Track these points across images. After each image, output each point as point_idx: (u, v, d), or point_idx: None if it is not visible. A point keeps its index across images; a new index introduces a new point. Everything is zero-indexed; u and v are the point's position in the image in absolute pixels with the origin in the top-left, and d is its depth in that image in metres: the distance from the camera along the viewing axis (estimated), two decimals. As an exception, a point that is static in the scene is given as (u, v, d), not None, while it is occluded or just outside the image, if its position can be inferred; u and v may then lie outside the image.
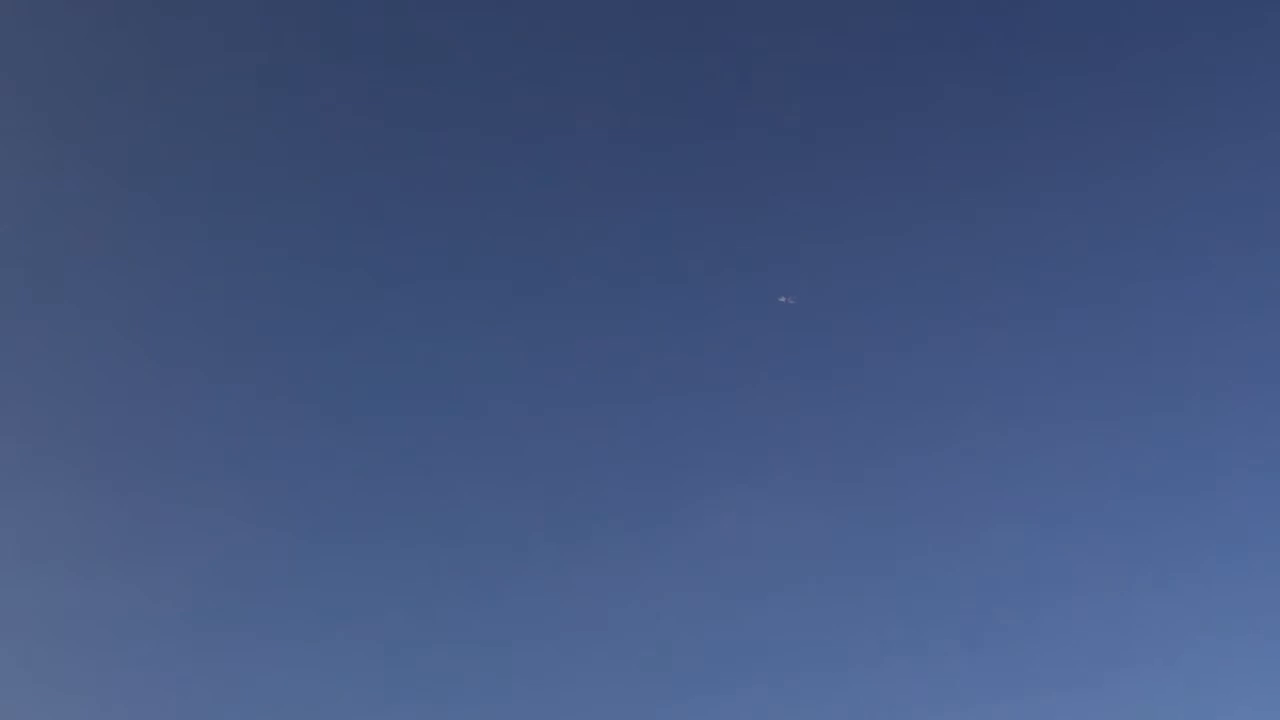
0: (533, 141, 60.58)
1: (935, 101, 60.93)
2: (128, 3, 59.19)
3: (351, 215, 59.28)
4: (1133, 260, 59.50)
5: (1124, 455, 55.71)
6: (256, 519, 52.90)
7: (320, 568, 52.12)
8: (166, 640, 49.63)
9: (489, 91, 60.66)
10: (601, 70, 62.13)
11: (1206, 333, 57.78)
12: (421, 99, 60.62)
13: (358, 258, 59.02)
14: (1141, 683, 49.01)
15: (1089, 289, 58.95)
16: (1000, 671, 49.90)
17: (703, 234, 59.93)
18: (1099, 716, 48.03)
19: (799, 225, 60.17)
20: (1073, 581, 51.99)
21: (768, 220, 60.10)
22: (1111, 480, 55.34)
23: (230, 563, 51.82)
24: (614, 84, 62.05)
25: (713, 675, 49.83)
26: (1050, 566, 52.66)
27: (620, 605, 51.47)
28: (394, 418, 56.10)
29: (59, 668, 47.96)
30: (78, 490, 52.32)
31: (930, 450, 55.61)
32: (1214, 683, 49.04)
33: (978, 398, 57.37)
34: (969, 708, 48.45)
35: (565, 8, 61.57)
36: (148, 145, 58.50)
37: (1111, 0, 61.72)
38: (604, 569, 52.23)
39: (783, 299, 51.60)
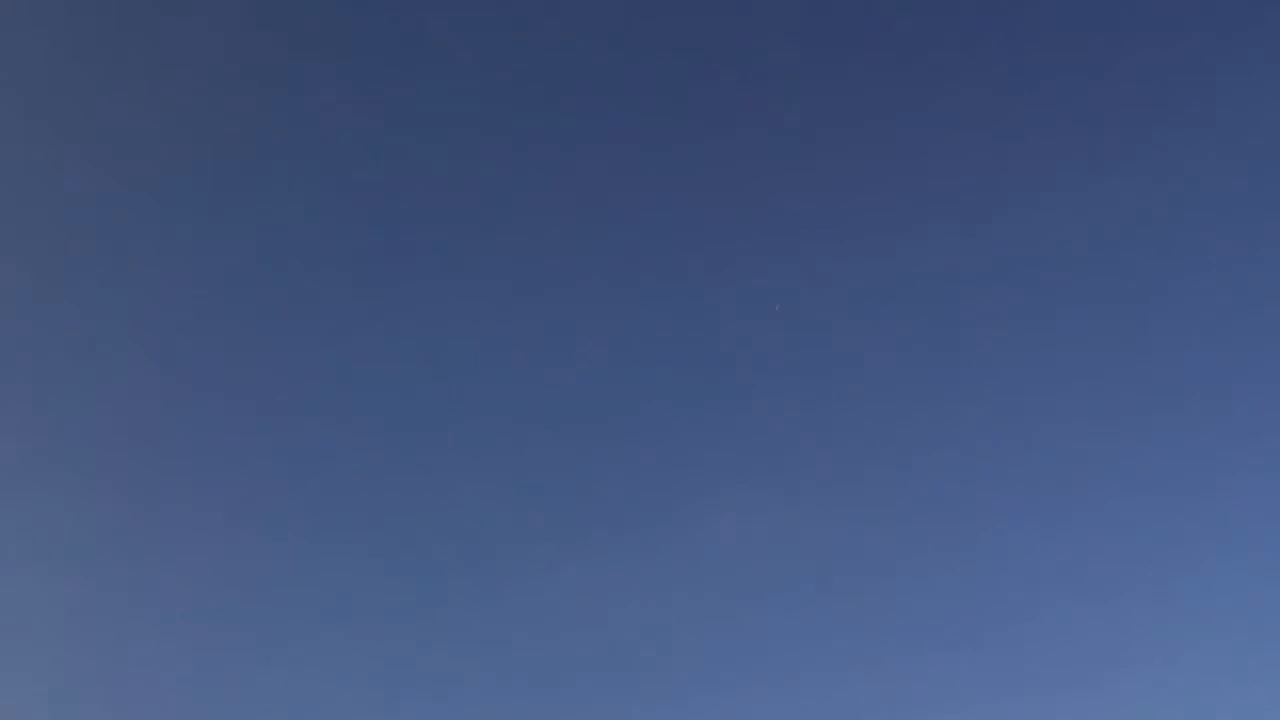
0: (531, 142, 60.75)
1: (935, 101, 60.98)
2: (127, 3, 59.54)
3: (351, 216, 59.38)
4: (1133, 260, 59.62)
5: (1124, 455, 55.93)
6: (255, 519, 53.17)
7: (319, 568, 52.31)
8: (165, 640, 49.81)
9: (488, 92, 60.91)
10: (602, 70, 62.42)
11: (1206, 333, 57.94)
12: (420, 99, 60.86)
13: (356, 258, 59.14)
14: (1141, 683, 49.23)
15: (1089, 289, 59.06)
16: (1000, 672, 50.03)
17: (702, 234, 60.06)
18: (1099, 716, 48.31)
19: (799, 225, 60.21)
20: (1073, 581, 52.06)
21: (767, 220, 60.19)
22: (1111, 480, 55.48)
23: (228, 563, 52.08)
24: (614, 84, 62.32)
25: (713, 675, 49.97)
26: (1050, 566, 52.73)
27: (620, 605, 51.61)
28: (393, 417, 56.27)
29: (57, 667, 48.23)
30: (75, 490, 52.63)
31: (930, 450, 55.66)
32: (1214, 683, 49.24)
33: (978, 398, 57.49)
34: (969, 708, 48.54)
35: (565, 8, 61.85)
36: (147, 145, 58.76)
37: (1111, 1, 62.04)
38: (603, 569, 52.37)
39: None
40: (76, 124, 57.81)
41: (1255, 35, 59.66)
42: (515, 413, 56.09)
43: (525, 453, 55.36)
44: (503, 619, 50.81)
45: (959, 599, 51.88)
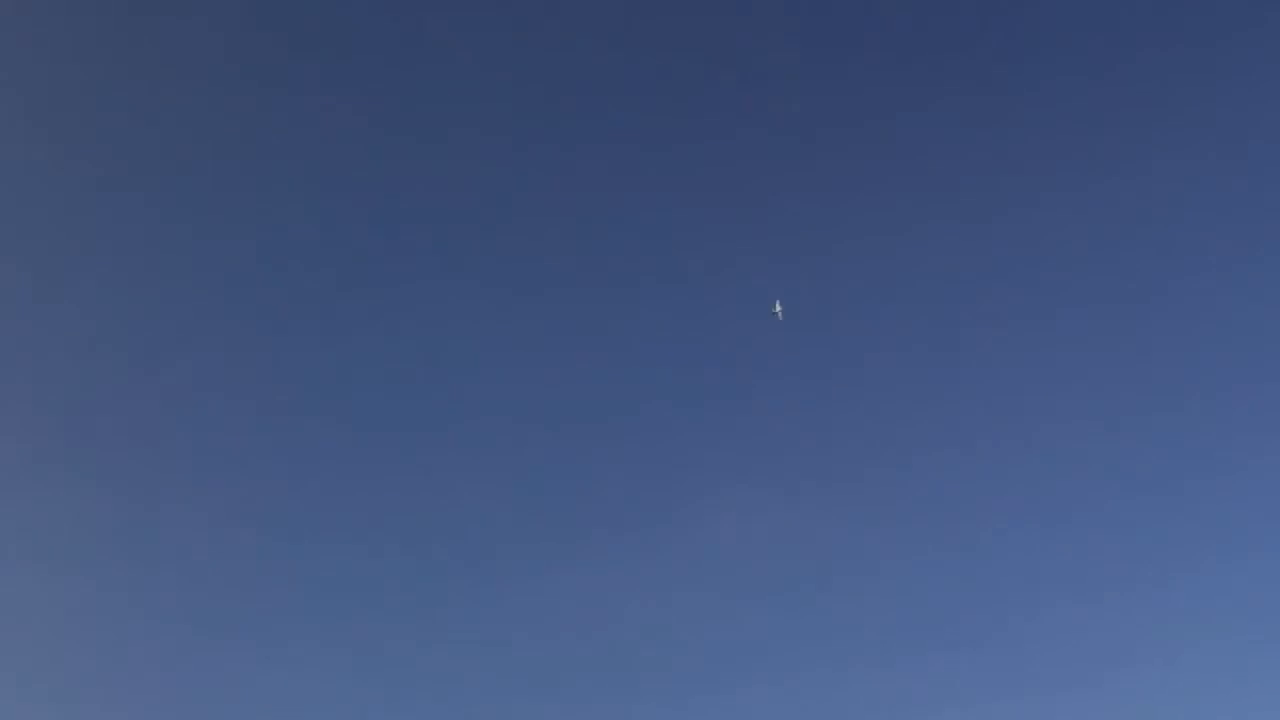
0: (531, 142, 60.67)
1: (935, 102, 60.99)
2: (127, 3, 59.34)
3: (351, 216, 59.39)
4: (1132, 260, 59.57)
5: (1124, 455, 55.83)
6: (255, 519, 53.01)
7: (319, 568, 52.17)
8: (165, 639, 49.65)
9: (488, 92, 60.81)
10: (602, 70, 62.27)
11: (1206, 333, 57.87)
12: (420, 99, 60.77)
13: (356, 258, 59.13)
14: (1141, 682, 49.01)
15: (1089, 289, 59.05)
16: (999, 671, 49.86)
17: (703, 235, 60.01)
18: (1099, 716, 48.08)
19: (798, 227, 60.22)
20: (1072, 581, 52.00)
21: (767, 221, 60.15)
22: (1111, 480, 55.40)
23: (228, 563, 51.93)
24: (614, 84, 62.19)
25: (713, 675, 49.81)
26: (1050, 566, 52.63)
27: (620, 605, 51.47)
28: (396, 419, 56.20)
29: (56, 665, 47.92)
30: (75, 490, 52.41)
31: (930, 450, 55.69)
32: (1214, 683, 49.09)
33: (978, 398, 57.44)
34: (969, 707, 48.42)
35: (565, 7, 61.69)
36: (148, 145, 58.62)
37: (1111, 1, 61.85)
38: (603, 569, 52.22)
39: (776, 309, 51.48)
40: (77, 124, 57.63)
41: (1255, 35, 59.52)
42: (515, 413, 55.84)
43: (525, 453, 55.10)
44: (503, 619, 50.53)
45: (959, 599, 51.66)
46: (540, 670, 49.57)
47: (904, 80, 61.49)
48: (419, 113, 60.28)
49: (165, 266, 57.34)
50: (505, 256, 59.38)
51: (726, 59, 61.79)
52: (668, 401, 56.91)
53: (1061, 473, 55.19)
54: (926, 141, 60.87)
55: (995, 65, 61.57)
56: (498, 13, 61.44)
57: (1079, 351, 57.74)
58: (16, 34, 57.30)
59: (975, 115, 60.94)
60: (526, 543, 52.92)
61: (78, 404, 54.59)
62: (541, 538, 53.03)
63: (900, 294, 58.89)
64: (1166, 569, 52.43)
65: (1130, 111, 60.66)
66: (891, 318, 58.48)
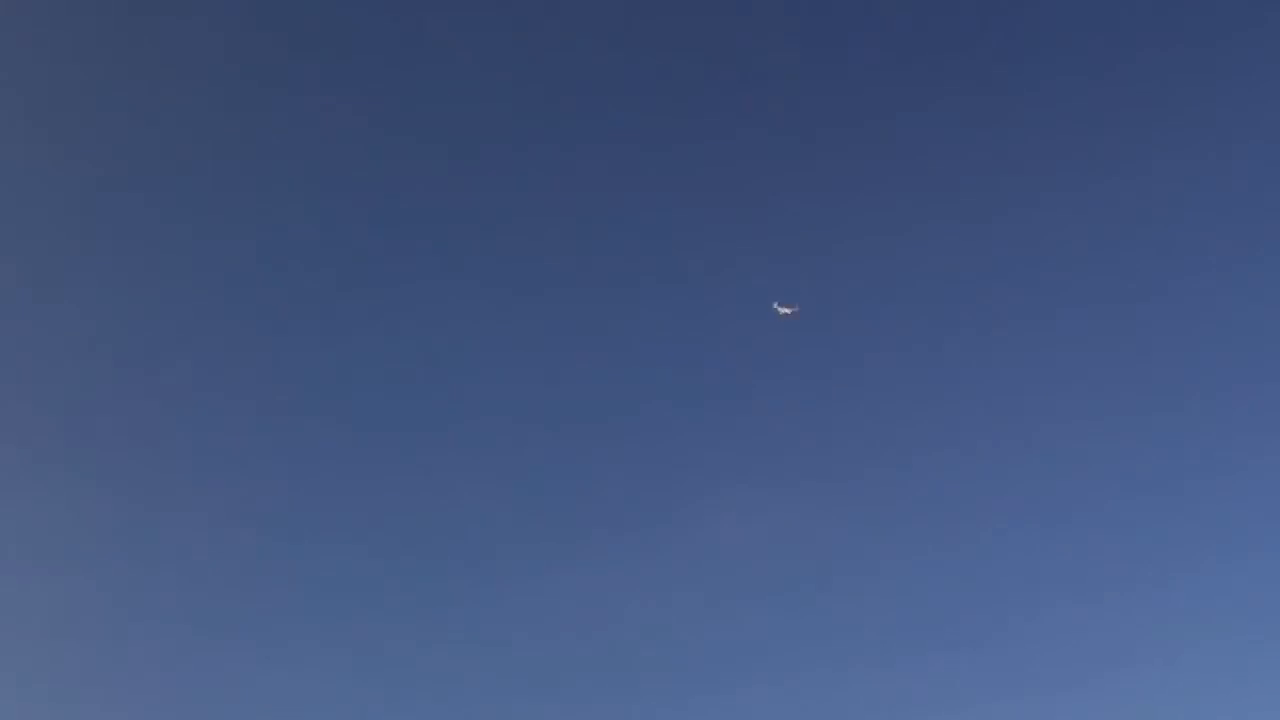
0: (531, 142, 60.63)
1: (935, 102, 60.96)
2: (127, 4, 59.31)
3: (351, 216, 59.35)
4: (1133, 260, 59.55)
5: (1124, 455, 55.82)
6: (255, 519, 53.00)
7: (319, 568, 52.16)
8: (165, 639, 49.64)
9: (488, 92, 60.81)
10: (602, 70, 62.26)
11: (1206, 333, 57.86)
12: (420, 99, 60.75)
13: (356, 258, 59.09)
14: (1141, 682, 49.02)
15: (1089, 289, 59.02)
16: (999, 671, 49.87)
17: (703, 235, 59.97)
18: (1099, 716, 48.09)
19: (798, 227, 60.17)
20: (1073, 581, 51.99)
21: (767, 222, 60.10)
22: (1111, 480, 55.38)
23: (228, 563, 51.91)
24: (614, 84, 62.17)
25: (713, 675, 49.82)
26: (1050, 566, 52.62)
27: (620, 605, 51.46)
28: (396, 419, 56.18)
29: (56, 665, 47.91)
30: (74, 490, 52.40)
31: (929, 451, 55.66)
32: (1214, 683, 49.10)
33: (977, 398, 57.41)
34: (969, 707, 48.44)
35: (565, 8, 61.67)
36: (147, 146, 58.58)
37: (1111, 1, 61.83)
38: (603, 569, 52.20)
39: (785, 310, 51.27)
40: (77, 124, 57.58)
41: (1255, 35, 59.50)
42: (515, 413, 55.81)
43: (525, 452, 55.06)
44: (503, 619, 50.51)
45: (959, 599, 51.66)
46: (540, 670, 49.64)
47: (904, 80, 61.56)
48: (419, 112, 60.31)
49: (165, 266, 57.37)
50: (505, 256, 59.43)
51: (726, 59, 61.85)
52: (668, 401, 56.95)
53: (1062, 473, 55.26)
54: (926, 141, 60.93)
55: (995, 65, 61.60)
56: (498, 13, 61.51)
57: (1079, 351, 57.80)
58: (16, 34, 57.40)
59: (975, 115, 60.99)
60: (526, 543, 52.97)
61: (77, 404, 54.63)
62: (541, 538, 53.09)
63: (900, 294, 58.93)
64: (1167, 569, 52.48)
65: (1130, 111, 60.72)
66: (891, 318, 58.51)
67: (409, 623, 50.61)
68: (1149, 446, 55.90)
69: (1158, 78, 61.02)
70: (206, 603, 50.41)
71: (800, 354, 57.02)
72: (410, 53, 60.75)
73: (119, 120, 58.57)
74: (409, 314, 58.26)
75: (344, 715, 47.70)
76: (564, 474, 55.26)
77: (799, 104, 61.29)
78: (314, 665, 48.96)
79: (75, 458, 53.37)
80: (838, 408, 57.16)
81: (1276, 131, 59.25)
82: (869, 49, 62.37)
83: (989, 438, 55.89)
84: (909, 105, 61.09)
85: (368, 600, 50.96)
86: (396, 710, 47.79)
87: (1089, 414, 55.99)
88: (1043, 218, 59.61)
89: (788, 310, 52.00)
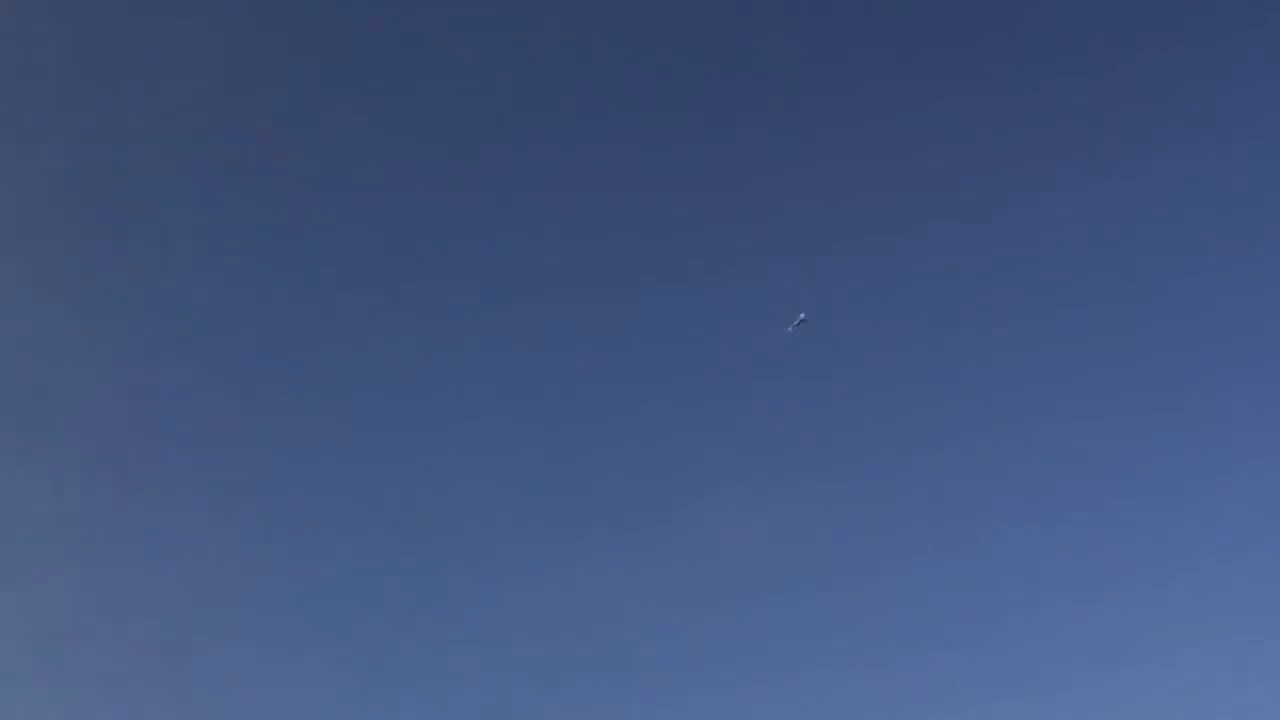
0: (531, 142, 60.67)
1: (935, 102, 60.99)
2: (127, 5, 59.34)
3: (351, 216, 59.40)
4: (1133, 260, 59.55)
5: (1124, 455, 55.83)
6: (255, 519, 53.01)
7: (319, 568, 52.13)
8: (165, 639, 49.64)
9: (488, 92, 60.86)
10: (602, 70, 62.30)
11: (1206, 333, 57.87)
12: (420, 99, 60.81)
13: (356, 259, 59.14)
14: (1141, 683, 48.98)
15: (1089, 289, 59.04)
16: (999, 671, 49.80)
17: (703, 235, 60.01)
18: (1100, 717, 48.09)
19: (798, 227, 60.19)
20: (1073, 581, 51.93)
21: (766, 222, 60.13)
22: (1112, 480, 55.37)
23: (228, 563, 51.94)
24: (614, 84, 62.22)
25: (713, 675, 49.72)
26: (1050, 566, 52.56)
27: (620, 605, 51.42)
28: (396, 419, 56.20)
29: (55, 667, 47.87)
30: (74, 490, 52.47)
31: (929, 451, 55.65)
32: (1214, 683, 49.06)
33: (977, 397, 57.41)
34: (969, 707, 48.41)
35: (565, 8, 61.71)
36: (147, 146, 58.64)
37: (1111, 1, 61.85)
38: (603, 569, 52.20)
39: (797, 322, 50.92)
40: (77, 124, 57.65)
41: (1255, 35, 59.51)
42: (515, 413, 55.83)
43: (525, 452, 55.04)
44: (503, 619, 50.45)
45: (959, 599, 51.58)
46: (539, 670, 49.57)
47: (904, 80, 61.60)
48: (419, 112, 60.39)
49: (164, 267, 57.44)
50: (505, 256, 59.46)
51: (726, 59, 61.90)
52: (668, 401, 56.98)
53: (1062, 473, 55.24)
54: (926, 141, 60.97)
55: (995, 65, 61.65)
56: (498, 13, 61.55)
57: (1079, 351, 57.83)
58: (16, 34, 57.43)
59: (975, 115, 61.04)
60: (527, 542, 52.93)
61: (77, 404, 54.72)
62: (541, 537, 53.04)
63: (900, 294, 58.95)
64: (1167, 569, 52.49)
65: (1130, 111, 60.75)
66: (891, 317, 58.53)
67: (408, 623, 50.65)
68: (1149, 446, 55.98)
69: (1158, 78, 61.15)
70: (207, 603, 50.49)
71: (800, 354, 57.00)
72: (410, 52, 60.88)
73: (119, 121, 58.76)
74: (409, 314, 58.37)
75: (342, 716, 47.76)
76: (564, 474, 55.33)
77: (799, 104, 61.41)
78: (312, 666, 49.01)
79: (75, 458, 53.57)
80: (838, 407, 57.25)
81: (1276, 131, 59.40)
82: (869, 49, 62.55)
83: (989, 437, 55.97)
84: (909, 105, 61.22)
85: (365, 600, 50.98)
86: (396, 710, 47.84)
87: (1089, 414, 56.04)
88: (1043, 218, 59.72)
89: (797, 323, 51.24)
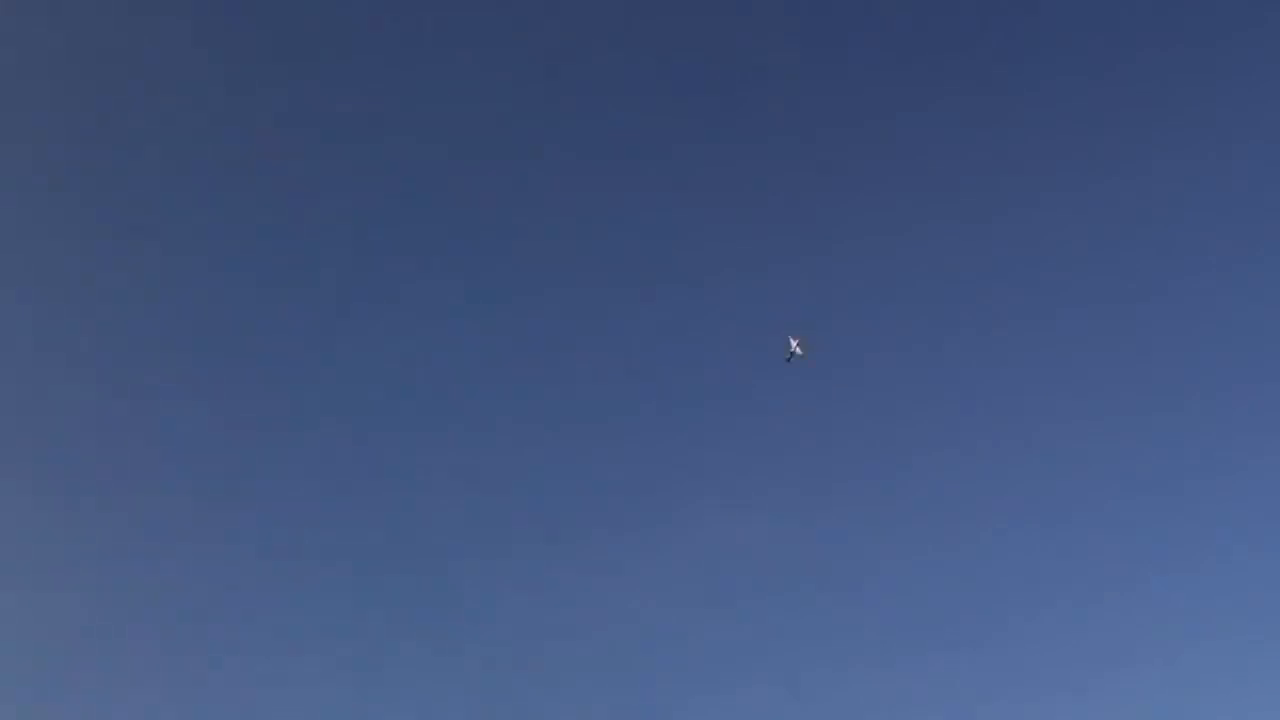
0: (531, 143, 60.63)
1: (935, 102, 60.94)
2: (129, 5, 59.37)
3: (350, 216, 59.37)
4: (1133, 260, 59.51)
5: (1124, 455, 55.80)
6: (255, 520, 52.95)
7: (318, 569, 52.11)
8: (166, 641, 49.63)
9: (488, 93, 60.88)
10: (601, 71, 62.32)
11: (1206, 333, 57.83)
12: (420, 99, 60.81)
13: (357, 261, 59.13)
14: (1141, 682, 48.93)
15: (1089, 289, 59.00)
16: (990, 673, 49.50)
17: (701, 237, 59.88)
18: (1099, 716, 48.05)
19: (797, 229, 60.00)
20: (1071, 581, 51.78)
21: (765, 223, 59.94)
22: (1112, 480, 55.33)
23: (229, 562, 51.88)
24: (614, 84, 62.23)
25: (709, 676, 49.57)
26: (1050, 567, 52.51)
27: (619, 606, 51.39)
28: (391, 422, 56.14)
29: (47, 670, 47.76)
30: (74, 491, 52.45)
31: (928, 451, 55.51)
32: (1214, 682, 49.02)
33: (977, 398, 57.35)
34: (967, 708, 48.42)
35: (567, 9, 61.72)
36: (147, 147, 58.66)
37: (1111, 1, 61.82)
38: (597, 573, 52.04)
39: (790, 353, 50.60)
40: (77, 125, 57.65)
41: (1255, 35, 59.48)
42: (515, 413, 55.68)
43: (525, 453, 54.83)
44: (502, 620, 50.33)
45: (958, 600, 51.53)
46: (539, 670, 49.49)
47: (904, 80, 61.58)
48: (419, 113, 60.43)
49: (165, 266, 57.46)
50: (505, 257, 59.45)
51: (727, 59, 61.88)
52: (668, 402, 56.91)
53: (1062, 473, 55.23)
54: (926, 142, 60.94)
55: (995, 65, 61.63)
56: (498, 13, 61.55)
57: (1079, 352, 57.81)
58: (16, 34, 57.46)
59: (975, 115, 61.01)
60: (520, 548, 52.66)
61: (77, 403, 54.72)
62: (534, 542, 52.83)
63: (900, 294, 58.89)
64: (1167, 569, 52.48)
65: (1130, 111, 60.72)
66: (891, 318, 58.46)
67: (406, 624, 50.70)
68: (1149, 447, 55.99)
69: (1158, 78, 61.13)
70: (208, 603, 50.42)
71: (793, 362, 56.63)
72: (410, 52, 60.95)
73: (118, 121, 58.77)
74: (409, 316, 58.39)
75: (342, 716, 47.74)
76: (565, 474, 55.28)
77: (799, 104, 61.39)
78: (310, 667, 48.94)
79: (75, 457, 53.57)
80: (837, 407, 57.14)
81: (1277, 131, 59.36)
82: (869, 49, 62.53)
83: (988, 437, 55.94)
84: (909, 105, 61.22)
85: (364, 601, 50.91)
86: (395, 711, 47.82)
87: (1088, 414, 56.03)
88: (1043, 218, 59.71)
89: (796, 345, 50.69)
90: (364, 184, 59.43)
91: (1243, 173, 59.15)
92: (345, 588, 51.50)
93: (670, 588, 51.77)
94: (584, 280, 59.02)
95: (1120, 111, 60.20)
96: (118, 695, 47.78)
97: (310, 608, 50.97)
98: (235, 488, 53.60)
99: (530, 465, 55.13)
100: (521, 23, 61.13)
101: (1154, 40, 60.75)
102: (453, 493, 54.46)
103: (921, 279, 58.78)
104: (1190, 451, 55.24)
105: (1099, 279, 58.61)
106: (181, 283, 57.25)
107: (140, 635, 49.49)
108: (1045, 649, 50.04)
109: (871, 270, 58.94)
